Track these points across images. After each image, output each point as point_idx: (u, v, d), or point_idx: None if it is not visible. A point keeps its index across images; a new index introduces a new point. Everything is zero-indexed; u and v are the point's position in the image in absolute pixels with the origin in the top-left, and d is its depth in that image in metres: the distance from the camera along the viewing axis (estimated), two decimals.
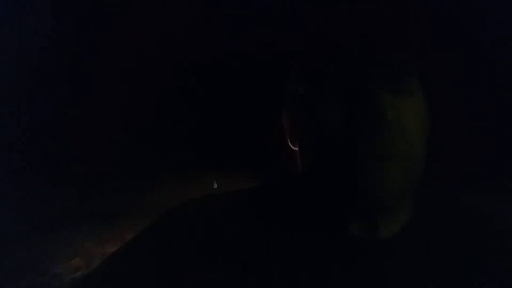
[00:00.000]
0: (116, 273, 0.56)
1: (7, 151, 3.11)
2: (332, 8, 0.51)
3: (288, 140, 0.61)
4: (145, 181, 3.80)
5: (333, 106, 0.50)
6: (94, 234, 3.41)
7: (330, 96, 0.51)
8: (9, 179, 3.13)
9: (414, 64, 0.52)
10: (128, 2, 2.85)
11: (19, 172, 3.23)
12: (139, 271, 0.54)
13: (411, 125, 0.50)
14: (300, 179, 0.59)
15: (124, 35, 2.86)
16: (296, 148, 0.59)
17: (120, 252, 0.59)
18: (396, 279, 0.52)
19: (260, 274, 0.52)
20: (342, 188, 0.50)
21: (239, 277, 0.52)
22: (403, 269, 0.52)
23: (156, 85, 3.21)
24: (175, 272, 0.53)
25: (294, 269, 0.52)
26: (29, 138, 3.20)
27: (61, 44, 2.95)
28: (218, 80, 2.99)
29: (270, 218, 0.57)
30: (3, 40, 2.80)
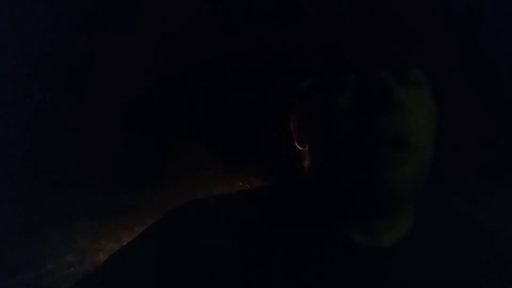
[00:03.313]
0: (118, 273, 0.55)
1: (4, 152, 3.09)
2: (335, 6, 0.51)
3: (295, 140, 0.60)
4: (141, 179, 3.80)
5: (342, 94, 0.50)
6: (87, 231, 3.41)
7: (339, 85, 0.51)
8: (5, 179, 3.11)
9: (417, 62, 0.52)
10: (128, 2, 2.85)
11: (13, 170, 3.21)
12: (141, 271, 0.54)
13: (422, 114, 0.50)
14: (306, 180, 0.59)
15: (124, 35, 2.86)
16: (304, 148, 0.59)
17: (122, 252, 0.59)
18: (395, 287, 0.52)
19: (261, 276, 0.52)
20: (353, 185, 0.50)
21: (241, 278, 0.52)
22: (402, 278, 0.52)
23: (157, 85, 3.21)
24: (178, 272, 0.53)
25: (295, 274, 0.52)
26: (26, 136, 3.19)
27: (61, 44, 2.94)
28: (220, 80, 2.99)
29: (273, 220, 0.57)
30: (3, 40, 2.78)
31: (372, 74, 0.49)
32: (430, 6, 0.54)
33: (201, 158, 3.59)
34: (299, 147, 0.60)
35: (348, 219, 0.54)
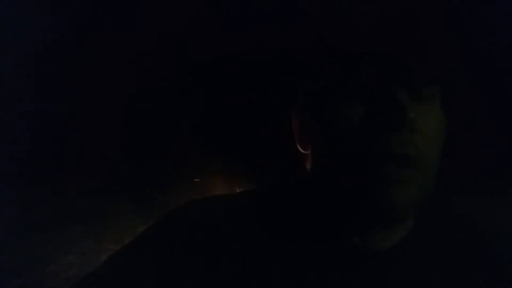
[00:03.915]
0: (118, 273, 0.55)
1: (5, 152, 3.09)
2: (345, 9, 0.51)
3: (297, 141, 0.60)
4: (143, 180, 3.80)
5: (352, 107, 0.50)
6: (89, 232, 3.41)
7: (350, 97, 0.50)
8: (6, 179, 3.11)
9: (438, 71, 0.52)
10: (128, 2, 2.84)
11: (16, 172, 3.21)
12: (140, 272, 0.54)
13: (430, 131, 0.50)
14: (307, 181, 0.59)
15: (124, 35, 2.86)
16: (306, 150, 0.59)
17: (122, 252, 0.59)
18: None
19: (261, 277, 0.52)
20: (353, 188, 0.50)
21: (240, 280, 0.52)
22: (402, 278, 0.52)
23: (157, 85, 3.21)
24: (176, 274, 0.53)
25: (295, 274, 0.52)
26: (26, 136, 3.19)
27: (61, 45, 2.94)
28: (221, 80, 2.98)
29: (273, 221, 0.57)
30: (3, 40, 2.78)
31: (388, 91, 0.48)
32: (431, 5, 0.54)
33: (202, 159, 3.59)
34: (300, 148, 0.60)
35: (348, 221, 0.54)
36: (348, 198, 0.51)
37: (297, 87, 0.58)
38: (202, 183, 3.52)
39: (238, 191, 0.67)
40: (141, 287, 0.52)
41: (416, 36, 0.50)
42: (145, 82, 3.27)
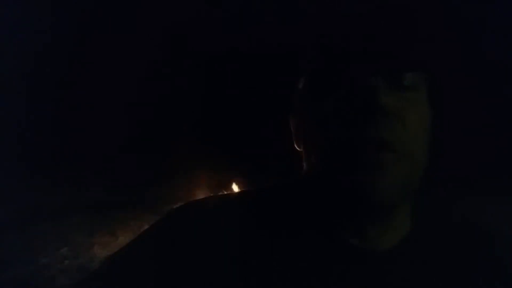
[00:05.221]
0: (118, 274, 0.55)
1: (2, 149, 3.09)
2: (333, 5, 0.51)
3: (294, 141, 0.60)
4: (135, 177, 3.82)
5: (335, 101, 0.50)
6: (83, 225, 3.42)
7: (332, 92, 0.50)
8: (0, 174, 3.11)
9: (420, 59, 0.51)
10: (128, 2, 2.85)
11: (10, 164, 3.22)
12: (141, 271, 0.54)
13: (412, 119, 0.50)
14: (303, 181, 0.59)
15: (124, 34, 2.87)
16: (301, 149, 0.59)
17: (122, 252, 0.59)
18: None
19: (260, 277, 0.52)
20: (342, 188, 0.50)
21: (240, 279, 0.52)
22: (401, 279, 0.52)
23: (157, 83, 3.21)
24: (176, 274, 0.53)
25: (293, 274, 0.52)
26: (24, 132, 3.20)
27: (61, 44, 2.94)
28: (221, 79, 2.99)
29: (271, 221, 0.57)
30: (3, 40, 2.78)
31: (362, 79, 0.49)
32: (431, 6, 0.54)
33: (196, 157, 3.59)
34: (297, 148, 0.60)
35: (343, 221, 0.54)
36: (337, 191, 0.51)
37: (294, 87, 0.58)
38: (195, 180, 3.53)
39: (237, 191, 0.67)
40: (141, 287, 0.52)
41: (406, 29, 0.50)
42: (143, 80, 3.27)
